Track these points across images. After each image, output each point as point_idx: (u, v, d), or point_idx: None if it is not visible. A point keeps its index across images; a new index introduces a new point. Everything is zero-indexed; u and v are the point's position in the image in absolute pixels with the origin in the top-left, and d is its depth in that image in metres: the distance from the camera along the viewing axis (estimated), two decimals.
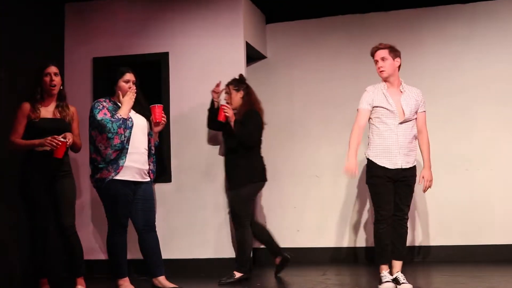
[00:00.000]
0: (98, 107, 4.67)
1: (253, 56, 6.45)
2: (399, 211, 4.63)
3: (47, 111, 4.70)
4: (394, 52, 4.65)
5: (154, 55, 5.95)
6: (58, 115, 4.73)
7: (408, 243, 5.79)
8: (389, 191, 4.58)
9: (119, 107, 4.70)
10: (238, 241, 5.20)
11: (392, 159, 4.55)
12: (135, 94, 4.69)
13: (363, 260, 6.14)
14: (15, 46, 5.29)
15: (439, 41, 6.26)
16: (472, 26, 6.20)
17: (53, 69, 4.70)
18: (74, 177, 4.89)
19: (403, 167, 4.57)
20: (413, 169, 4.62)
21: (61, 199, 4.71)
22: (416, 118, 4.65)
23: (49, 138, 4.48)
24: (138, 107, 4.87)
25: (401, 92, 4.66)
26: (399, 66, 4.69)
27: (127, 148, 4.68)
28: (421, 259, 6.04)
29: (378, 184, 4.58)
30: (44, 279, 4.81)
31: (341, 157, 6.30)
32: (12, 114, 4.79)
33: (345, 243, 6.25)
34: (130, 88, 4.75)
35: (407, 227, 4.65)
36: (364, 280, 4.88)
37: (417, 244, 6.09)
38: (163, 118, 4.80)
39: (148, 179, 4.88)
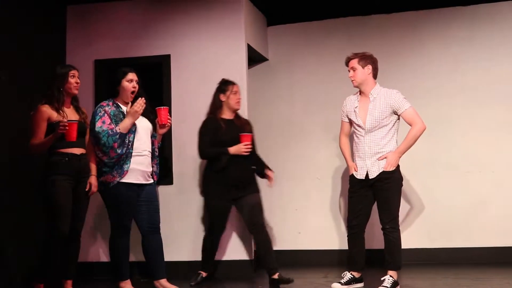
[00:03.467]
0: (99, 114, 4.67)
1: (254, 58, 6.45)
2: (381, 219, 4.70)
3: (70, 113, 4.63)
4: (364, 60, 4.74)
5: (156, 57, 5.95)
6: (78, 117, 4.68)
7: (410, 246, 5.86)
8: (359, 200, 4.75)
9: (120, 111, 4.71)
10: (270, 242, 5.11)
11: (360, 169, 4.73)
12: (144, 106, 4.63)
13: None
14: (17, 48, 5.29)
15: (440, 43, 6.27)
16: (473, 28, 6.20)
17: (76, 72, 4.73)
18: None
19: (370, 176, 4.67)
20: (384, 174, 4.63)
21: (81, 203, 4.68)
22: (402, 120, 4.71)
23: (57, 125, 4.38)
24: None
25: (370, 100, 4.72)
26: (375, 73, 4.75)
27: (131, 152, 4.68)
28: (423, 261, 6.03)
29: (350, 192, 4.83)
30: (40, 283, 4.68)
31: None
32: (14, 115, 4.79)
33: (346, 245, 6.21)
34: (134, 87, 4.76)
35: (392, 236, 4.62)
36: (364, 282, 4.88)
37: (419, 246, 6.08)
38: (168, 120, 4.79)
39: (152, 181, 4.88)
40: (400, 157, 4.67)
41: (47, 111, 4.54)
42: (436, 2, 6.21)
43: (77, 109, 4.77)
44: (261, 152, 5.53)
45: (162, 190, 5.80)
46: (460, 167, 6.12)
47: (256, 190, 5.26)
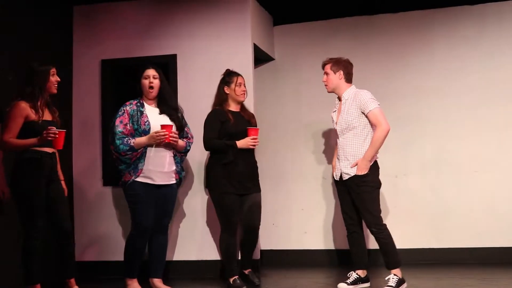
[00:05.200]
0: (119, 113, 4.78)
1: (260, 58, 6.45)
2: (365, 223, 4.73)
3: (46, 113, 4.54)
4: (337, 66, 4.81)
5: (162, 57, 5.95)
6: (52, 117, 4.59)
7: (416, 246, 5.85)
8: (342, 200, 4.85)
9: (140, 110, 4.76)
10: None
11: (336, 170, 4.83)
12: (165, 141, 4.65)
13: (370, 263, 6.11)
14: (23, 48, 5.30)
15: (447, 42, 6.24)
16: (481, 27, 6.17)
17: (55, 69, 4.60)
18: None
19: (344, 178, 4.72)
20: (357, 178, 4.64)
21: (59, 202, 4.58)
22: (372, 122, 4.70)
23: (45, 131, 4.28)
24: (163, 108, 4.88)
25: (342, 103, 4.79)
26: (348, 77, 4.81)
27: (145, 152, 4.70)
28: (429, 261, 6.02)
29: (338, 194, 4.94)
30: (36, 285, 4.50)
31: None
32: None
33: None
34: (151, 83, 4.79)
35: (381, 237, 4.62)
36: (370, 282, 4.88)
37: (425, 246, 6.07)
38: (171, 139, 4.72)
39: (173, 182, 4.88)
40: (369, 162, 4.65)
41: (27, 108, 4.40)
42: (442, 1, 6.18)
43: (49, 106, 4.61)
44: (267, 152, 5.55)
45: None
46: (467, 166, 6.09)
47: (258, 189, 5.22)
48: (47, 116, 4.54)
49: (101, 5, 6.12)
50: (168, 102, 4.87)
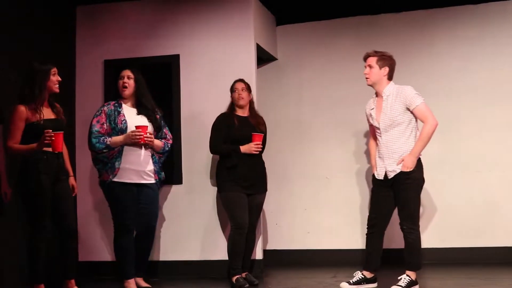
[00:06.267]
0: (97, 113, 4.85)
1: (263, 58, 6.45)
2: (399, 219, 4.68)
3: (48, 112, 4.55)
4: (383, 61, 4.72)
5: (165, 57, 5.96)
6: (54, 116, 4.61)
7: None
8: (378, 200, 4.75)
9: (117, 110, 4.82)
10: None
11: (379, 169, 4.75)
12: (140, 142, 4.71)
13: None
14: (26, 48, 5.30)
15: (450, 42, 6.23)
16: (483, 27, 6.16)
17: (56, 69, 4.60)
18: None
19: (389, 176, 4.66)
20: (403, 174, 4.59)
21: (65, 201, 4.59)
22: (416, 118, 4.66)
23: (42, 136, 4.29)
24: (140, 108, 4.92)
25: (383, 99, 4.72)
26: (391, 74, 4.75)
27: (122, 150, 4.73)
28: (433, 261, 6.01)
29: (371, 192, 4.88)
30: (40, 284, 4.48)
31: (351, 159, 6.35)
32: None
33: (356, 245, 6.22)
34: (124, 83, 4.88)
35: (410, 237, 4.60)
36: (381, 281, 4.86)
37: (429, 246, 6.05)
38: (146, 139, 4.76)
39: (152, 181, 4.91)
40: (416, 158, 4.59)
41: (25, 111, 4.42)
42: (445, 1, 6.17)
43: (52, 105, 4.62)
44: (270, 152, 5.54)
45: (171, 189, 5.82)
46: (470, 166, 6.08)
47: (263, 190, 5.29)
48: (49, 115, 4.55)
49: (104, 5, 6.13)
50: (143, 103, 4.91)
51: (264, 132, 5.27)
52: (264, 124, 5.37)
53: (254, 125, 5.24)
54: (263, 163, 5.32)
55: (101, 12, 6.14)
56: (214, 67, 5.86)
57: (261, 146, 5.14)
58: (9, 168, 4.60)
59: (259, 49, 6.02)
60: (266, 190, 5.35)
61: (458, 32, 6.22)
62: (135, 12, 6.09)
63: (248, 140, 5.11)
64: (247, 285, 5.00)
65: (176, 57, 5.94)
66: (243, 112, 5.29)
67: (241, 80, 5.30)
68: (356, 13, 6.44)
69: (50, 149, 4.44)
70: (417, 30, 6.31)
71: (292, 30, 6.65)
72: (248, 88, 5.30)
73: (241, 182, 5.10)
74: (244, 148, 5.10)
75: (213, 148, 5.24)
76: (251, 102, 5.34)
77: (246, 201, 5.14)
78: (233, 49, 5.84)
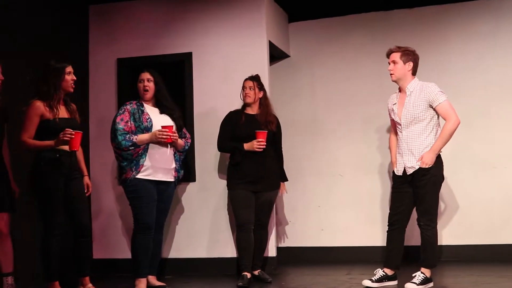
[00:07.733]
0: (120, 111, 4.84)
1: (276, 55, 6.44)
2: (417, 215, 4.65)
3: (62, 110, 4.57)
4: (407, 56, 4.67)
5: (178, 55, 5.97)
6: (69, 115, 4.62)
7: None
8: (398, 196, 4.71)
9: (141, 109, 4.82)
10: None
11: (398, 165, 4.72)
12: (167, 141, 4.74)
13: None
14: (40, 48, 5.34)
15: (463, 38, 6.19)
16: (498, 23, 6.11)
17: (71, 68, 4.63)
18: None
19: (408, 172, 4.63)
20: (422, 170, 4.56)
21: (78, 199, 4.60)
22: (437, 115, 4.63)
23: (61, 133, 4.31)
24: (162, 108, 4.95)
25: (407, 95, 4.68)
26: (415, 69, 4.71)
27: (147, 148, 4.75)
28: (448, 258, 5.98)
29: (392, 189, 4.86)
30: (55, 281, 4.51)
31: (364, 156, 6.33)
32: None
33: (370, 242, 6.21)
34: (145, 86, 4.89)
35: (426, 234, 4.59)
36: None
37: (444, 243, 6.03)
38: (172, 138, 4.78)
39: (172, 179, 4.93)
40: (436, 154, 4.56)
41: (41, 106, 4.44)
42: None
43: (67, 104, 4.64)
44: (284, 149, 5.52)
45: (184, 187, 5.84)
46: (485, 163, 6.03)
47: (274, 187, 5.29)
48: (64, 114, 4.57)
49: (116, 4, 6.15)
50: (164, 104, 4.95)
51: (272, 130, 5.25)
52: (274, 122, 5.34)
53: (261, 122, 5.23)
54: (272, 160, 5.28)
55: (114, 11, 6.16)
56: (227, 65, 5.86)
57: (265, 144, 5.08)
58: (15, 166, 4.62)
59: (271, 46, 6.01)
60: (277, 187, 5.33)
61: (472, 27, 6.17)
62: (148, 10, 6.10)
63: (253, 137, 5.11)
64: (241, 284, 4.94)
65: (189, 55, 5.96)
66: (252, 110, 5.30)
67: (250, 78, 5.29)
68: (369, 9, 6.41)
69: (64, 147, 4.44)
70: (430, 26, 6.27)
71: (304, 27, 6.63)
72: (259, 86, 5.30)
73: (246, 179, 5.12)
74: (247, 146, 5.12)
75: (219, 145, 5.32)
76: (262, 100, 5.33)
77: (252, 199, 5.15)
78: (246, 46, 5.84)
